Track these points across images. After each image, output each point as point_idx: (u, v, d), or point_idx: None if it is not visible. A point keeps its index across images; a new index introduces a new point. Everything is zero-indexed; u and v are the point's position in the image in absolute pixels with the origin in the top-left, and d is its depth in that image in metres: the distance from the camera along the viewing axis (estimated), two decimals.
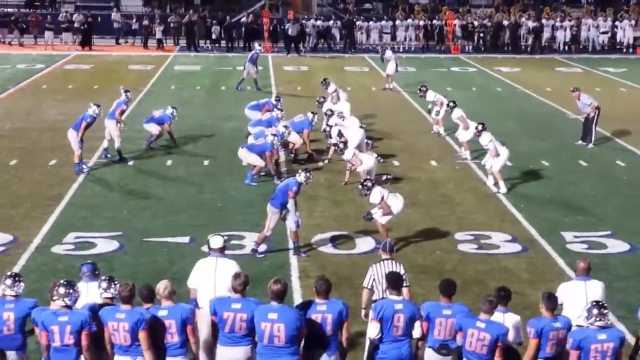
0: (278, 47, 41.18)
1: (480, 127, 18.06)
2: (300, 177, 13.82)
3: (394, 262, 10.11)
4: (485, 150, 18.01)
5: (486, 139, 17.73)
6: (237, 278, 8.84)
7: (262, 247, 13.87)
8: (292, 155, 19.92)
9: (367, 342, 9.15)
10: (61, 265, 13.26)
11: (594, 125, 21.86)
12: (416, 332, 8.91)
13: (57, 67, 34.94)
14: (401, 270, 9.94)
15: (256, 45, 33.72)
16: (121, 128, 19.72)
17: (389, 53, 31.12)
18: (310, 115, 20.03)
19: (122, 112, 19.74)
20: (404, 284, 9.84)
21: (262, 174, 17.99)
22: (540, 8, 45.96)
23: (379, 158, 18.24)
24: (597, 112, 21.76)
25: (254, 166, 17.83)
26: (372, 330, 8.86)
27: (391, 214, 14.06)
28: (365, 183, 14.27)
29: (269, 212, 13.66)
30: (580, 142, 21.98)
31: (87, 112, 18.38)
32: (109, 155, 19.67)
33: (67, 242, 14.29)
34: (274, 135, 18.02)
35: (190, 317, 8.63)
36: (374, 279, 9.98)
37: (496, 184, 17.68)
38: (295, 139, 19.61)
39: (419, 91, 23.60)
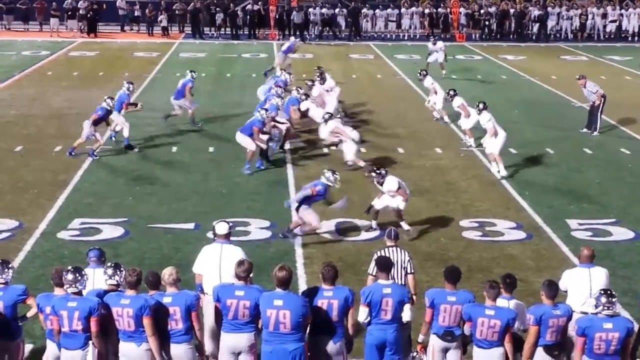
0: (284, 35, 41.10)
1: (481, 105, 18.08)
2: (328, 178, 13.69)
3: (398, 249, 10.10)
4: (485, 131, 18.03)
5: (485, 118, 17.81)
6: (241, 265, 8.84)
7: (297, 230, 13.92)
8: (280, 144, 19.25)
9: None
10: (66, 250, 13.31)
11: (599, 113, 21.80)
12: (405, 316, 8.93)
13: (63, 54, 34.93)
14: (406, 257, 9.97)
15: (292, 38, 32.47)
16: (140, 107, 20.14)
17: (440, 44, 30.75)
18: (294, 92, 19.90)
19: (127, 104, 19.71)
20: (409, 271, 9.90)
21: (271, 166, 17.90)
22: None
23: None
24: (603, 100, 21.71)
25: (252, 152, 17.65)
26: (361, 314, 8.88)
27: (406, 200, 14.09)
28: (379, 171, 14.21)
29: (300, 213, 13.67)
30: (585, 130, 21.94)
31: (101, 104, 18.56)
32: (114, 138, 19.72)
33: (73, 228, 14.33)
34: (265, 109, 17.88)
35: (194, 303, 8.64)
36: None
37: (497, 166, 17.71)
38: (285, 125, 18.94)
39: (419, 74, 23.62)
